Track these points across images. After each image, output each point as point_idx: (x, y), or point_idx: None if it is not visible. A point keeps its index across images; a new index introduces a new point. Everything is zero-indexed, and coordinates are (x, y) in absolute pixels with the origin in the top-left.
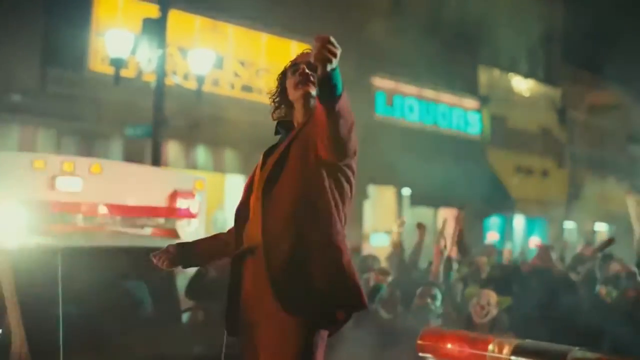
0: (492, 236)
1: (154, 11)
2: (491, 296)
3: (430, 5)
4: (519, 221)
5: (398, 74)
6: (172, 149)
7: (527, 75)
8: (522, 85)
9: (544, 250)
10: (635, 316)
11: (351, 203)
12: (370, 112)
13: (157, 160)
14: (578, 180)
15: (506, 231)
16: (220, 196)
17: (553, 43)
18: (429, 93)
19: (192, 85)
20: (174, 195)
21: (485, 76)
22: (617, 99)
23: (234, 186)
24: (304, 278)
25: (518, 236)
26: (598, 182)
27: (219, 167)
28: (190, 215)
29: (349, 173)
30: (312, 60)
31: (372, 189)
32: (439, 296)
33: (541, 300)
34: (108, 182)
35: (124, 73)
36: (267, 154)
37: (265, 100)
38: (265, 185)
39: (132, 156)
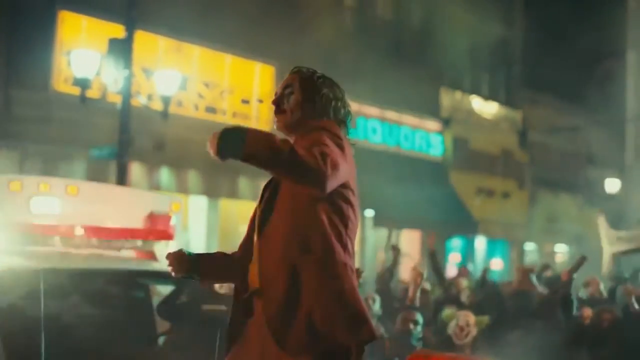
0: (454, 258)
1: (118, 31)
2: (469, 317)
3: (393, 28)
4: (480, 242)
5: (361, 96)
6: (135, 170)
7: (488, 97)
8: (484, 107)
9: (524, 273)
10: (612, 337)
11: (357, 222)
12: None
13: (122, 181)
14: (538, 202)
15: (468, 252)
16: (184, 218)
17: (513, 66)
18: (391, 115)
19: (156, 106)
20: (150, 217)
21: (448, 98)
22: (576, 121)
23: (197, 208)
24: (303, 319)
25: (480, 257)
26: (558, 203)
27: (182, 189)
28: (168, 237)
29: (347, 193)
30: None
31: None
32: (421, 320)
33: (521, 322)
34: (84, 204)
35: (88, 93)
36: (266, 187)
37: (230, 121)
38: (260, 225)
39: (95, 177)
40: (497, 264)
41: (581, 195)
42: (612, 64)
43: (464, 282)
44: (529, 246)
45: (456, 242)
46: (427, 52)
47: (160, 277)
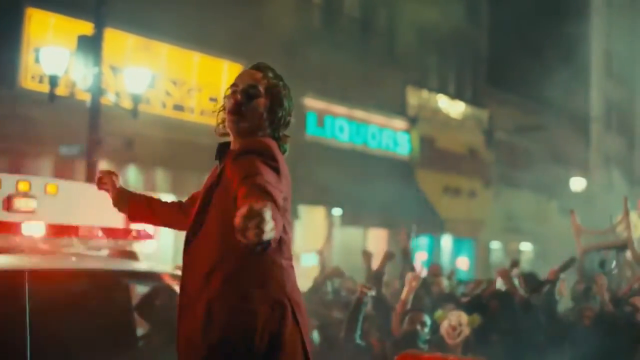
0: (420, 256)
1: (86, 29)
2: (462, 316)
3: (360, 26)
4: (446, 241)
5: (329, 94)
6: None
7: (454, 96)
8: (450, 106)
9: (504, 273)
10: (594, 334)
11: (291, 227)
12: (301, 133)
13: (91, 180)
14: (504, 201)
15: (434, 251)
16: None
17: (480, 65)
18: (359, 114)
19: (124, 104)
20: None
21: (414, 97)
22: (541, 120)
23: None
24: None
25: (446, 256)
26: (523, 202)
27: (149, 187)
28: (148, 236)
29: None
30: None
31: (302, 209)
32: (429, 322)
33: (502, 323)
34: (64, 203)
35: (57, 91)
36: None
37: (197, 119)
38: (187, 237)
39: (62, 175)
40: (463, 263)
41: (546, 194)
42: (577, 64)
43: (444, 281)
44: (495, 245)
45: (423, 241)
46: (394, 51)
47: (145, 277)
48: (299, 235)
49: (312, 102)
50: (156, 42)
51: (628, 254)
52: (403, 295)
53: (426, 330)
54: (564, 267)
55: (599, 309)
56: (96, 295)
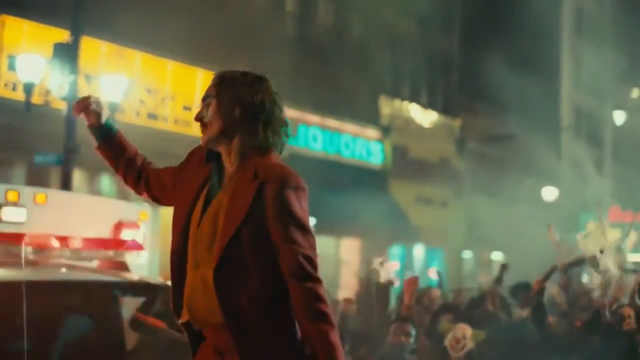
0: (393, 266)
1: (61, 36)
2: (466, 330)
3: (333, 35)
4: (419, 251)
5: (302, 103)
6: (76, 177)
7: (426, 106)
8: (422, 115)
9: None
10: (585, 344)
11: None
12: None
13: (66, 188)
14: (476, 210)
15: (407, 261)
16: None
17: (452, 75)
18: (332, 123)
19: None
20: (118, 226)
21: (387, 106)
22: (513, 129)
23: None
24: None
25: (418, 266)
26: (495, 211)
27: (123, 197)
28: (139, 247)
29: None
30: None
31: None
32: (414, 332)
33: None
34: (53, 213)
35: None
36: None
37: (171, 128)
38: (225, 253)
39: (37, 184)
40: (434, 272)
41: (518, 204)
42: (547, 74)
43: (437, 292)
44: (467, 254)
45: (395, 251)
46: (367, 60)
47: (138, 289)
48: None
49: (285, 111)
50: (130, 49)
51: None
52: (406, 299)
53: (411, 340)
54: (547, 276)
55: (591, 319)
56: (89, 307)
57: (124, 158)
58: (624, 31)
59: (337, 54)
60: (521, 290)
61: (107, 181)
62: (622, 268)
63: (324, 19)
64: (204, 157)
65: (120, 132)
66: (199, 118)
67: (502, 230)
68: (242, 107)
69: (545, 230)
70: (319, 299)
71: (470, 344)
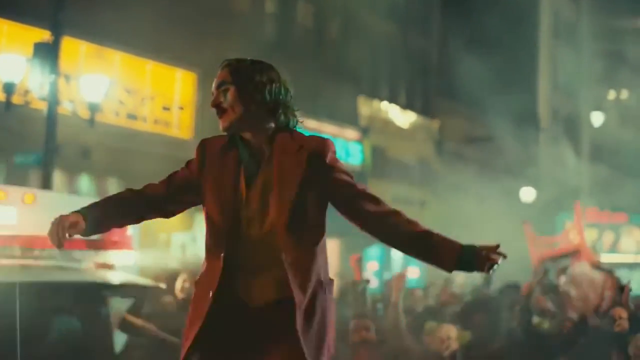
0: (372, 266)
1: (40, 36)
2: (451, 330)
3: (313, 36)
4: (397, 251)
5: None
6: (56, 177)
7: (405, 106)
8: (401, 116)
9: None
10: (574, 345)
11: None
12: None
13: (47, 189)
14: (453, 210)
15: (385, 261)
16: None
17: (430, 76)
18: (311, 123)
19: (79, 112)
20: None
21: (366, 107)
22: (491, 131)
23: None
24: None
25: (396, 266)
26: (473, 212)
27: (102, 196)
28: (127, 246)
29: None
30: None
31: None
32: (372, 327)
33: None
34: (42, 213)
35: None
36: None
37: (150, 128)
38: (288, 223)
39: (15, 184)
40: (413, 272)
41: (496, 204)
42: (525, 76)
43: (419, 292)
44: None
45: (374, 251)
46: (346, 61)
47: (127, 289)
48: None
49: None
50: (109, 49)
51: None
52: (393, 297)
53: (371, 334)
54: (539, 280)
55: (579, 321)
56: (80, 307)
57: (124, 219)
58: (600, 34)
59: (316, 55)
60: (510, 291)
61: (86, 181)
62: (598, 268)
63: (304, 20)
64: (223, 144)
65: (92, 210)
66: (217, 104)
67: (479, 231)
68: (262, 92)
69: (523, 230)
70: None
71: (454, 345)
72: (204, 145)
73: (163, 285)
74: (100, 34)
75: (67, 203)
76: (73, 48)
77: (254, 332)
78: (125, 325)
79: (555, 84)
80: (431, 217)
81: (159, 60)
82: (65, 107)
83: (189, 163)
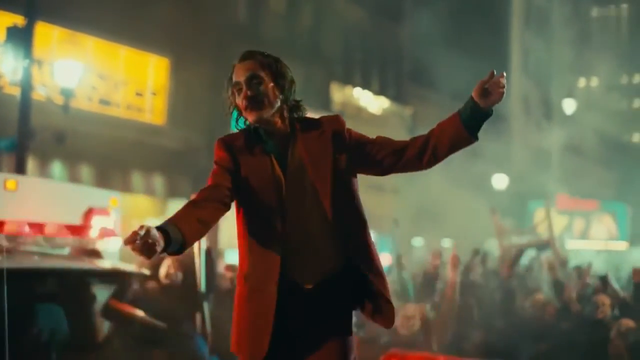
0: None
1: (11, 21)
2: (414, 308)
3: (285, 22)
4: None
5: None
6: (28, 163)
7: (378, 93)
8: (374, 102)
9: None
10: (557, 328)
11: None
12: (226, 128)
13: (21, 174)
14: (426, 197)
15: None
16: None
17: (403, 63)
18: None
19: (52, 97)
20: (89, 213)
21: (339, 94)
22: None
23: None
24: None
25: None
26: (445, 198)
27: (75, 182)
28: (112, 233)
29: None
30: (491, 98)
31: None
32: None
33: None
34: (25, 199)
35: None
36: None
37: (123, 114)
38: (331, 200)
39: None
40: (386, 259)
41: (469, 191)
42: (497, 63)
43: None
44: (417, 241)
45: None
46: (318, 47)
47: (109, 276)
48: (226, 232)
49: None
50: (82, 34)
51: (547, 255)
52: (450, 277)
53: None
54: (515, 261)
55: (562, 306)
56: (66, 293)
57: (203, 229)
58: (572, 22)
59: (288, 40)
60: (492, 276)
61: (58, 167)
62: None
63: (276, 6)
64: (245, 140)
65: (182, 229)
66: (253, 97)
67: (452, 217)
68: (291, 89)
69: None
70: None
71: (418, 323)
72: (226, 142)
73: (147, 272)
74: (73, 18)
75: (50, 189)
76: (45, 33)
77: (314, 311)
78: (109, 312)
79: (526, 70)
80: (404, 204)
81: (132, 46)
82: (38, 93)
83: (218, 163)
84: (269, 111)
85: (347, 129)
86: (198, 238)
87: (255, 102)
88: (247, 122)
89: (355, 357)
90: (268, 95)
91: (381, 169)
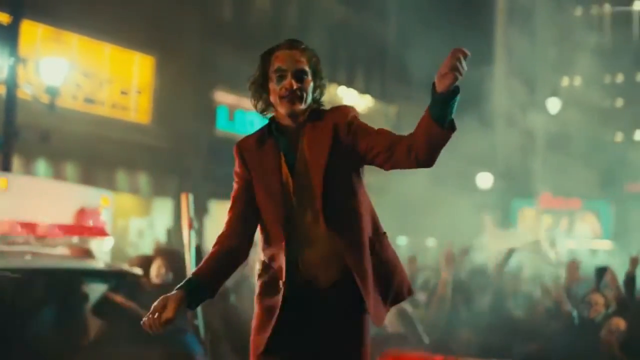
0: None
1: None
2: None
3: (270, 20)
4: None
5: (239, 88)
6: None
7: (363, 91)
8: (359, 101)
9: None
10: (546, 330)
11: None
12: (212, 127)
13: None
14: (410, 196)
15: None
16: None
17: (388, 61)
18: None
19: (36, 95)
20: (81, 212)
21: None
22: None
23: None
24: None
25: None
26: (430, 197)
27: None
28: (103, 233)
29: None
30: (441, 71)
31: (213, 204)
32: None
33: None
34: (15, 198)
35: None
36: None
37: (108, 113)
38: (325, 203)
39: None
40: None
41: (453, 190)
42: (482, 62)
43: None
44: (401, 240)
45: None
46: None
47: (102, 275)
48: (210, 231)
49: (222, 96)
50: (67, 32)
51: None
52: (443, 274)
53: None
54: (506, 261)
55: (554, 306)
56: (58, 293)
57: (226, 273)
58: (555, 21)
59: (273, 38)
60: (478, 275)
61: (43, 166)
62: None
63: (261, 4)
64: (256, 138)
65: (201, 279)
66: (296, 90)
67: (436, 216)
68: (322, 86)
69: (479, 216)
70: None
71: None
72: (239, 146)
73: (139, 271)
74: (57, 16)
75: (41, 188)
76: (30, 31)
77: (324, 313)
78: (104, 306)
79: (510, 69)
80: (390, 203)
81: (117, 44)
82: (24, 91)
83: (235, 179)
84: (302, 108)
85: (348, 122)
86: (224, 276)
87: (296, 96)
88: (268, 116)
89: None
90: (308, 92)
91: (378, 166)
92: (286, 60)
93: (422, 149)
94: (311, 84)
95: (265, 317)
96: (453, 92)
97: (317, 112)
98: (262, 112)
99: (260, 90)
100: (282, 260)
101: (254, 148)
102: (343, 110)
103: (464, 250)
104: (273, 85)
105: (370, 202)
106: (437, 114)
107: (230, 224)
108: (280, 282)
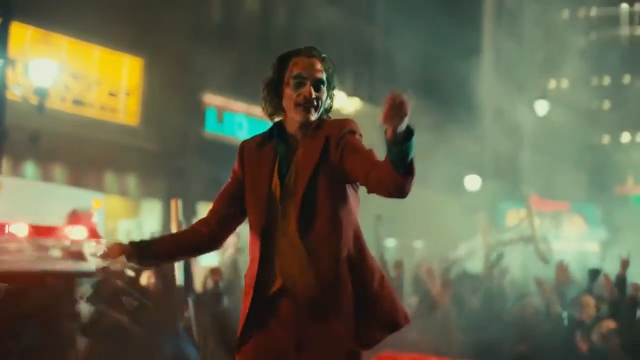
0: None
1: None
2: None
3: (259, 23)
4: None
5: (228, 90)
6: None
7: (352, 94)
8: (347, 103)
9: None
10: (536, 331)
11: None
12: (200, 129)
13: None
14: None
15: None
16: None
17: (376, 64)
18: (258, 110)
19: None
20: (73, 215)
21: None
22: (437, 118)
23: None
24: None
25: None
26: (418, 199)
27: (48, 183)
28: (96, 235)
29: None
30: (381, 120)
31: (202, 206)
32: None
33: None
34: (8, 200)
35: None
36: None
37: (97, 115)
38: (302, 213)
39: None
40: None
41: (442, 192)
42: (469, 64)
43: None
44: (389, 242)
45: None
46: (292, 47)
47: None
48: None
49: (211, 98)
50: (56, 34)
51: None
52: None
53: None
54: (495, 263)
55: (544, 308)
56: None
57: (183, 252)
58: (542, 23)
59: (262, 41)
60: (468, 279)
61: (31, 168)
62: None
63: (250, 6)
64: (259, 140)
65: (155, 245)
66: (314, 99)
67: (424, 219)
68: (333, 98)
69: (468, 217)
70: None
71: None
72: (242, 146)
73: (132, 273)
74: (46, 18)
75: (33, 190)
76: (19, 33)
77: (301, 319)
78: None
79: (497, 72)
80: (377, 205)
81: (105, 46)
82: (12, 92)
83: (232, 169)
84: (314, 117)
85: (340, 136)
86: (178, 252)
87: (312, 105)
88: (275, 119)
89: None
90: (323, 102)
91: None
92: (306, 67)
93: (390, 186)
94: (325, 95)
95: (242, 315)
96: (406, 135)
97: (319, 122)
98: (271, 115)
99: (273, 92)
100: (255, 266)
101: (254, 150)
102: (340, 124)
103: (446, 268)
104: (289, 91)
105: (357, 221)
106: (393, 159)
107: (210, 212)
108: (250, 288)
